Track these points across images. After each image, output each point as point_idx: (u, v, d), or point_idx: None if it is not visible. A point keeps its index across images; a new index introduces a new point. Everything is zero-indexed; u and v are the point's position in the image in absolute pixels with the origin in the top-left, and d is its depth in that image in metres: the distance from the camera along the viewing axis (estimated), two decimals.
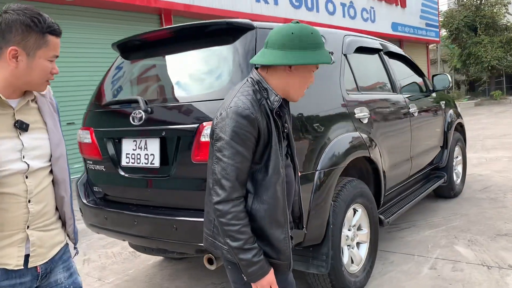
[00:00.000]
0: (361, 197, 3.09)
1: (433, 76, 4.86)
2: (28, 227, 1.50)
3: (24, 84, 1.47)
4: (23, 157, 1.47)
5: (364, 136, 3.17)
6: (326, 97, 2.99)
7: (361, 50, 3.64)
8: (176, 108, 2.63)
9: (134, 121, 2.72)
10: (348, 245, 3.07)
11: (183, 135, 2.53)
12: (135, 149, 2.78)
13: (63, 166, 1.61)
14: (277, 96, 1.63)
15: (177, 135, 2.56)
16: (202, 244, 1.85)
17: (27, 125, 1.50)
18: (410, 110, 4.08)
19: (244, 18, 2.87)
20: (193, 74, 2.75)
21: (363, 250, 3.21)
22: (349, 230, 3.07)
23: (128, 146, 2.82)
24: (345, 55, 3.34)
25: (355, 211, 3.12)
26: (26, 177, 1.48)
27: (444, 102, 5.10)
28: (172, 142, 2.60)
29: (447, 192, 5.22)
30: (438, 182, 4.75)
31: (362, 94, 3.40)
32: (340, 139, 2.92)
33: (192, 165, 2.49)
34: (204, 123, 2.43)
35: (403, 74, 4.43)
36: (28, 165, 1.48)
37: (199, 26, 2.72)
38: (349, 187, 2.97)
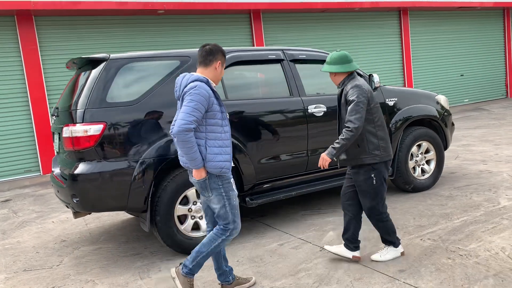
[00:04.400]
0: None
1: (369, 75, 5.13)
2: None
3: (216, 79, 3.05)
4: None
5: None
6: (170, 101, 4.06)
7: (247, 63, 4.50)
8: (60, 114, 4.16)
9: (52, 122, 4.33)
10: None
11: (60, 132, 4.03)
12: (56, 140, 4.38)
13: None
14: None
15: (58, 132, 4.09)
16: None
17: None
18: (310, 111, 4.68)
19: None
20: (74, 90, 4.17)
21: None
22: None
23: (55, 137, 4.45)
24: None
25: None
26: None
27: (394, 100, 5.33)
28: (60, 136, 4.12)
29: (402, 185, 5.46)
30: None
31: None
32: None
33: (65, 151, 3.98)
34: (64, 126, 3.88)
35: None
36: None
37: (85, 58, 4.13)
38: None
